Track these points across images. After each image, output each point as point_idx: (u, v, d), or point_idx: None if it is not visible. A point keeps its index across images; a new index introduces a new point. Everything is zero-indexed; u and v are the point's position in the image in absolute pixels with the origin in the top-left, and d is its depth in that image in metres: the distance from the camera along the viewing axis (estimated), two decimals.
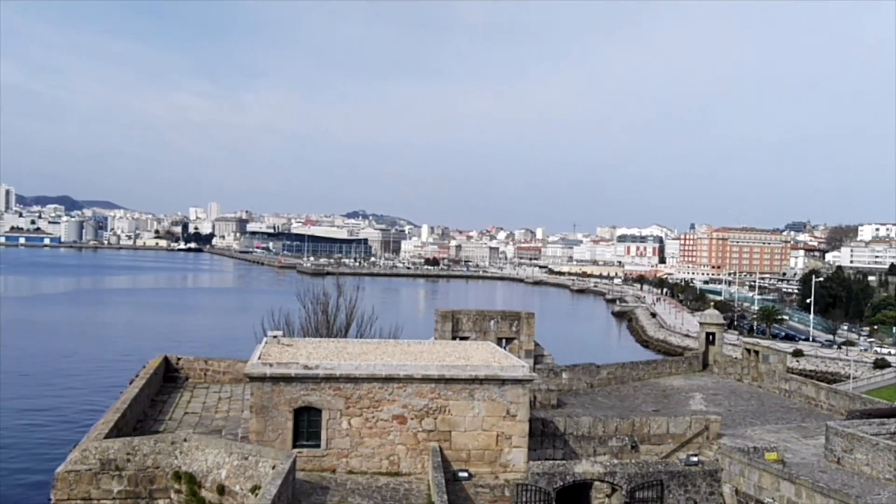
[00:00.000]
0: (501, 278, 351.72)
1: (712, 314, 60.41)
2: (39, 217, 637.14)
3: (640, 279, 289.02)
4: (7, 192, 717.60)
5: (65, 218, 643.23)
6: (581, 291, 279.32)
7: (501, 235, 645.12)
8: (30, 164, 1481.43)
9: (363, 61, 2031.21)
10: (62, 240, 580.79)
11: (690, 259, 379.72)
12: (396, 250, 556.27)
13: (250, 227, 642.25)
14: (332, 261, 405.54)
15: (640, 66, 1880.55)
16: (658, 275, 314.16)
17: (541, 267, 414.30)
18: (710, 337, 57.14)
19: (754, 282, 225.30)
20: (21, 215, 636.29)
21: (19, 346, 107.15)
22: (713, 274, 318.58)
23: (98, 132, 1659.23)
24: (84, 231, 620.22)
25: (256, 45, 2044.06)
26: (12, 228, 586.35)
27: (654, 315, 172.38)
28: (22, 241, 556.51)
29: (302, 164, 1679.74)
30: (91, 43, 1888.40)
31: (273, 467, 23.47)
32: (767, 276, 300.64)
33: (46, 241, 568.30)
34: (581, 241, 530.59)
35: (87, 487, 24.90)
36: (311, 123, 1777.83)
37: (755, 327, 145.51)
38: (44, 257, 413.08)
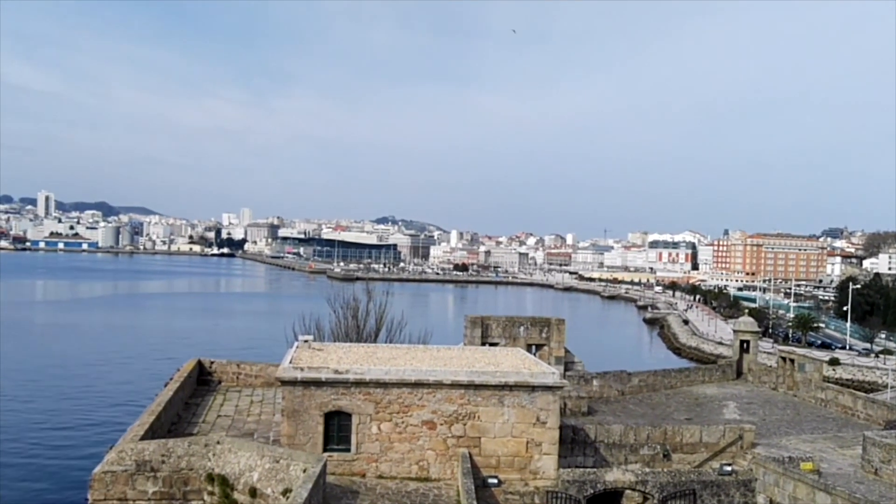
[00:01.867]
0: (531, 284, 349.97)
1: (747, 321, 59.71)
2: (78, 223, 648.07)
3: (673, 286, 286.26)
4: (47, 199, 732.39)
5: (102, 224, 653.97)
6: (612, 298, 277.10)
7: (531, 241, 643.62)
8: (69, 171, 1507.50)
9: (393, 67, 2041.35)
10: (99, 245, 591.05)
11: (724, 265, 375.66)
12: (425, 256, 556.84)
13: (281, 232, 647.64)
14: (361, 266, 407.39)
15: (672, 71, 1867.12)
16: (691, 281, 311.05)
17: (571, 273, 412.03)
18: (745, 345, 56.49)
19: (789, 289, 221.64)
20: (60, 221, 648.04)
21: (58, 348, 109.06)
22: (747, 281, 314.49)
23: (134, 139, 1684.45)
24: (121, 236, 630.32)
25: (288, 53, 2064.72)
26: (52, 234, 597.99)
27: (686, 322, 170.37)
28: (61, 246, 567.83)
29: (332, 170, 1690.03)
30: (129, 52, 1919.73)
31: (304, 471, 23.59)
32: (803, 283, 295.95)
33: (84, 246, 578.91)
34: (612, 247, 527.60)
35: (123, 488, 25.19)
36: (341, 129, 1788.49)
37: (790, 335, 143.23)
38: (82, 262, 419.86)
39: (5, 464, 54.66)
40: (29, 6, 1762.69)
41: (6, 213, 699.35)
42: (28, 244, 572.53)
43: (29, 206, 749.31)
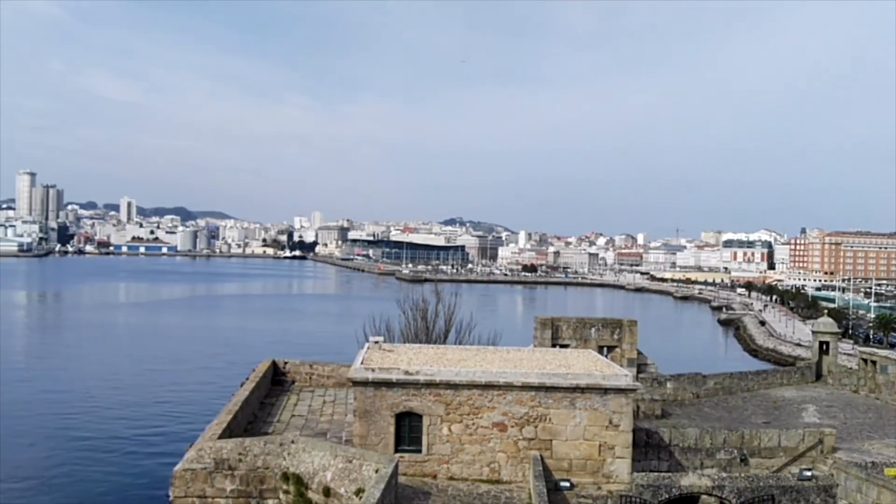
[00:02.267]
0: (601, 285, 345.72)
1: (826, 322, 57.89)
2: (158, 227, 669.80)
3: (748, 286, 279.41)
4: (129, 205, 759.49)
5: (180, 228, 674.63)
6: (685, 298, 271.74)
7: (601, 241, 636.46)
8: (149, 178, 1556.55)
9: (459, 69, 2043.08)
10: (178, 248, 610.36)
11: (801, 265, 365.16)
12: (493, 257, 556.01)
13: (351, 234, 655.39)
14: (429, 267, 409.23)
15: (745, 67, 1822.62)
16: (767, 281, 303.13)
17: (642, 273, 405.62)
18: (824, 346, 54.81)
19: (870, 288, 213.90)
20: (141, 226, 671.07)
21: (140, 349, 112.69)
22: (826, 280, 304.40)
23: (210, 146, 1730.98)
24: (198, 240, 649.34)
25: (357, 59, 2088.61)
26: (133, 238, 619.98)
27: (763, 323, 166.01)
28: (142, 250, 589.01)
29: (400, 173, 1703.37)
30: (205, 62, 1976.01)
31: (376, 471, 23.80)
32: (884, 281, 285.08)
33: (164, 249, 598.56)
34: (685, 247, 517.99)
35: (203, 486, 25.83)
36: (409, 132, 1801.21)
37: (872, 336, 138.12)
38: (162, 265, 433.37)
39: (93, 460, 56.76)
40: (110, 18, 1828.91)
41: (91, 218, 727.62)
42: (111, 248, 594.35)
43: (112, 212, 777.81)
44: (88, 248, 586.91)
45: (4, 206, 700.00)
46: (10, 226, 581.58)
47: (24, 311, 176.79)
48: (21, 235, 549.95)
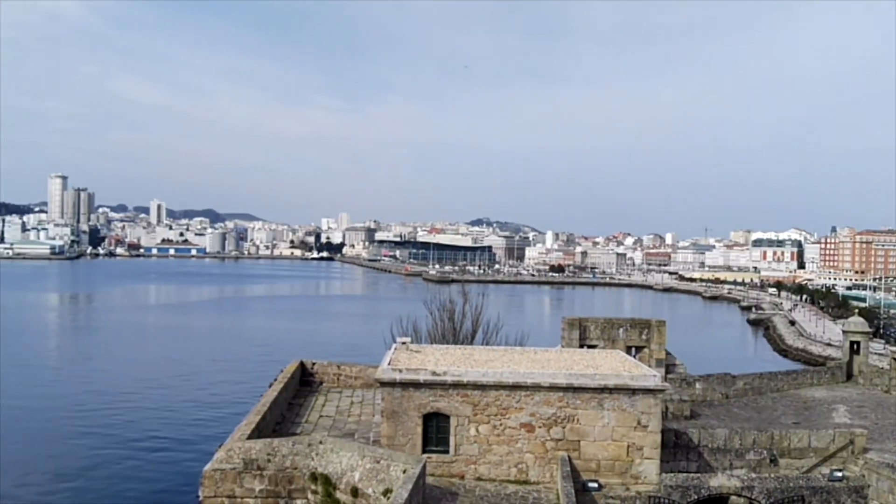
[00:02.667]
0: (629, 285, 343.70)
1: (857, 321, 57.11)
2: (187, 229, 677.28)
3: (778, 285, 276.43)
4: (159, 207, 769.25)
5: (209, 230, 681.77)
6: (714, 298, 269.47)
7: (629, 241, 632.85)
8: (178, 180, 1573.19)
9: (486, 68, 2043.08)
10: (207, 250, 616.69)
11: (832, 264, 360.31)
12: (521, 257, 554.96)
13: (378, 235, 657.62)
14: (456, 268, 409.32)
15: (774, 66, 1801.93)
16: (797, 280, 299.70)
17: (671, 273, 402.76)
18: (855, 346, 54.09)
19: None
20: (171, 228, 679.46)
21: (170, 350, 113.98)
22: (856, 279, 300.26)
23: (238, 148, 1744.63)
24: (226, 242, 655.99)
25: (384, 60, 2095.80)
26: (163, 240, 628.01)
27: (792, 323, 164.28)
28: (172, 251, 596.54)
29: (427, 174, 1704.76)
30: (233, 65, 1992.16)
31: (404, 471, 23.88)
32: None
33: (193, 251, 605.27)
34: (713, 247, 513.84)
35: (232, 486, 26.05)
36: (436, 133, 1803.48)
37: None
38: (191, 267, 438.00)
39: (124, 459, 57.48)
40: (140, 23, 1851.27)
41: (122, 221, 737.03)
42: (142, 251, 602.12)
43: (142, 215, 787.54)
44: (119, 250, 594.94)
45: (37, 209, 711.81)
46: (43, 229, 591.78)
47: (56, 313, 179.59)
48: (53, 238, 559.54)
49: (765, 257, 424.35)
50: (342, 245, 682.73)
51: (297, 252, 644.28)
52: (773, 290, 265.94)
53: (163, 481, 53.00)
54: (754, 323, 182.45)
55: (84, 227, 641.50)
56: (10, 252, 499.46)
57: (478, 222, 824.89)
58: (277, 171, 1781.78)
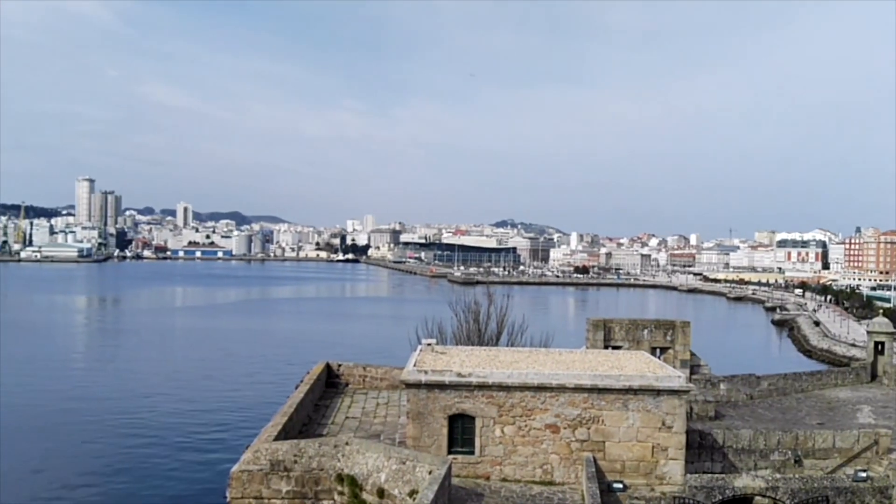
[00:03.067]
0: (654, 286, 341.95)
1: (881, 322, 56.60)
2: (213, 232, 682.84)
3: (802, 286, 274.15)
4: (185, 210, 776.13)
5: (235, 232, 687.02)
6: (738, 299, 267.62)
7: (653, 242, 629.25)
8: (205, 183, 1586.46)
9: (510, 71, 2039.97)
10: (233, 253, 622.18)
11: (856, 264, 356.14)
12: (545, 259, 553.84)
13: (403, 237, 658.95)
14: (481, 270, 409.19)
15: (800, 65, 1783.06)
16: (821, 281, 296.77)
17: (695, 274, 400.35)
18: (879, 346, 53.70)
19: None
20: (197, 230, 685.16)
21: (197, 352, 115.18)
22: (881, 280, 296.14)
23: (264, 151, 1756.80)
24: (252, 244, 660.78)
25: (408, 62, 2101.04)
26: (190, 243, 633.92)
27: (817, 323, 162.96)
28: (198, 254, 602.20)
29: (451, 175, 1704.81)
30: (258, 68, 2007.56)
31: (430, 472, 24.00)
32: None
33: (220, 254, 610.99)
34: (738, 247, 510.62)
35: (259, 487, 26.19)
36: (460, 135, 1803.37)
37: None
38: (217, 269, 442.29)
39: (151, 461, 58.29)
40: (165, 27, 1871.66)
41: (148, 224, 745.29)
42: (168, 253, 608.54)
43: (169, 217, 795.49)
44: (146, 253, 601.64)
45: (64, 212, 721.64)
46: (70, 232, 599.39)
47: (84, 316, 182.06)
48: (80, 241, 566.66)
49: (789, 258, 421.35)
50: (367, 247, 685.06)
51: (323, 254, 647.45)
52: (797, 291, 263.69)
53: (190, 482, 53.66)
54: (779, 324, 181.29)
55: (111, 229, 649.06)
56: (38, 255, 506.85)
57: (502, 224, 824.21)
58: (302, 173, 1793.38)
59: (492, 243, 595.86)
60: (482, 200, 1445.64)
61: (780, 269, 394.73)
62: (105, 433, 65.94)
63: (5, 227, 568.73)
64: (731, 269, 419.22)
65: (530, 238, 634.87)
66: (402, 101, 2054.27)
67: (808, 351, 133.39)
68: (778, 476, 29.45)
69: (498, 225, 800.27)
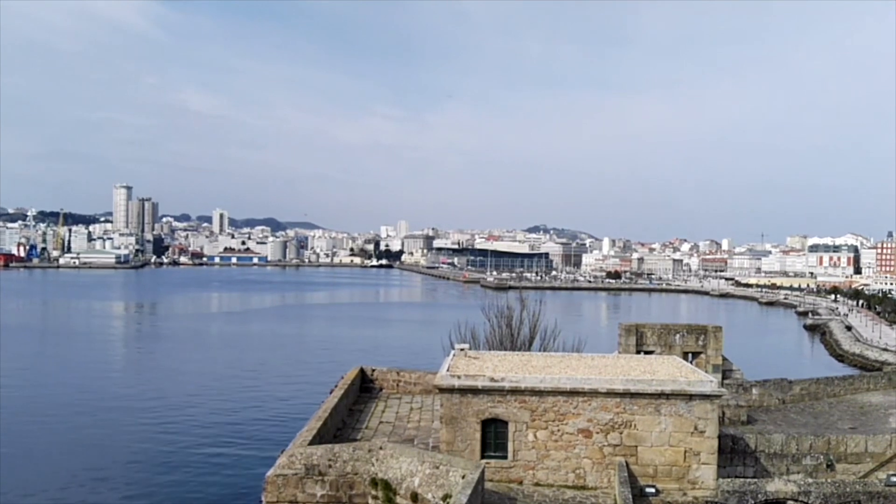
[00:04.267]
0: (686, 291, 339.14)
1: None
2: (249, 238, 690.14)
3: (834, 290, 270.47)
4: (221, 216, 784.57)
5: (270, 238, 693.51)
6: (770, 304, 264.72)
7: (685, 247, 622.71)
8: (240, 189, 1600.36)
9: (543, 76, 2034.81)
10: (268, 258, 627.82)
11: (889, 269, 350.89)
12: (577, 264, 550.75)
13: (436, 243, 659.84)
14: (514, 275, 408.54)
15: (829, 69, 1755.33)
16: (853, 286, 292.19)
17: (727, 279, 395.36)
18: None
19: None
20: (233, 237, 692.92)
21: (232, 357, 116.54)
22: None
23: (298, 157, 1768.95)
24: (287, 250, 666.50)
25: (442, 69, 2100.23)
26: (226, 249, 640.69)
27: (849, 328, 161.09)
28: (234, 260, 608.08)
29: (484, 181, 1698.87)
30: (293, 75, 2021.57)
31: (463, 477, 24.15)
32: None
33: (255, 260, 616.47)
34: (770, 252, 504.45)
35: (294, 491, 26.40)
36: (493, 140, 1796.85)
37: None
38: (253, 275, 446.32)
39: (187, 464, 59.25)
40: (201, 35, 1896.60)
41: (185, 230, 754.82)
42: (204, 259, 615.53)
43: (205, 224, 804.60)
44: (182, 259, 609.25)
45: (102, 219, 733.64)
46: (108, 238, 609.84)
47: (122, 321, 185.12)
48: (118, 248, 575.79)
49: (821, 262, 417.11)
50: (401, 252, 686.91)
51: (357, 260, 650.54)
52: (829, 296, 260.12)
53: (226, 486, 54.38)
54: (811, 328, 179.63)
55: (148, 236, 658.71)
56: (77, 261, 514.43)
57: (535, 229, 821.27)
58: (336, 179, 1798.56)
59: (524, 248, 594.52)
60: (515, 206, 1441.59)
61: (811, 273, 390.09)
62: (142, 436, 67.07)
63: (45, 233, 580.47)
64: (763, 274, 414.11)
65: (562, 243, 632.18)
66: (435, 108, 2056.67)
67: (840, 355, 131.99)
68: (810, 480, 29.40)
69: (530, 230, 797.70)
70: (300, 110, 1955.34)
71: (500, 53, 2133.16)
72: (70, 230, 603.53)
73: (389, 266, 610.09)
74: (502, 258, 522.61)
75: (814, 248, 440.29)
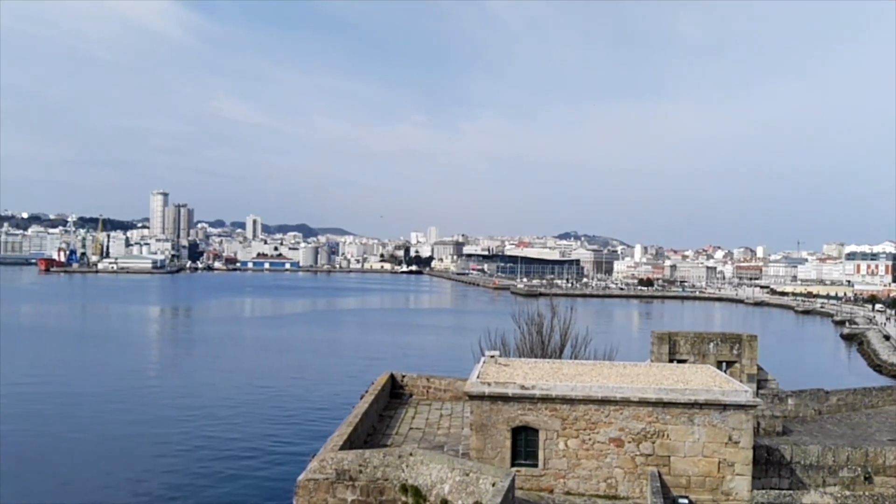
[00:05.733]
0: (719, 299, 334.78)
1: None
2: (281, 244, 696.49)
3: (872, 299, 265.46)
4: (254, 222, 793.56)
5: (302, 244, 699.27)
6: (806, 313, 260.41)
7: (719, 254, 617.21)
8: (273, 196, 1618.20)
9: (573, 83, 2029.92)
10: (300, 264, 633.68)
11: None
12: (609, 271, 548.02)
13: (466, 249, 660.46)
14: (544, 282, 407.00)
15: (866, 72, 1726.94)
16: (891, 294, 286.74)
17: (762, 287, 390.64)
18: None
19: None
20: (266, 242, 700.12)
21: (265, 362, 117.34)
22: None
23: (331, 164, 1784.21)
24: (319, 256, 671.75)
25: (473, 76, 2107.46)
26: (259, 254, 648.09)
27: (887, 338, 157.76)
28: (266, 265, 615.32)
29: (514, 187, 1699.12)
30: (327, 84, 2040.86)
31: (493, 485, 23.98)
32: None
33: (287, 265, 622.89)
34: (806, 260, 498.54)
35: (325, 495, 26.34)
36: (523, 147, 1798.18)
37: None
38: (285, 280, 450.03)
39: (219, 468, 59.66)
40: (237, 44, 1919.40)
41: (219, 236, 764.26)
42: (238, 264, 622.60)
43: (239, 230, 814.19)
44: (217, 264, 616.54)
45: (139, 224, 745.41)
46: (145, 244, 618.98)
47: (158, 325, 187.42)
48: (155, 253, 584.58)
49: (858, 271, 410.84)
50: (431, 259, 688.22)
51: (387, 266, 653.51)
52: (868, 305, 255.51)
53: (257, 489, 54.69)
54: (848, 338, 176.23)
55: (184, 241, 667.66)
56: (115, 266, 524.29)
57: (566, 236, 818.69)
58: (368, 186, 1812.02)
59: (555, 255, 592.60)
60: (545, 212, 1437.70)
61: (849, 282, 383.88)
62: (174, 438, 67.72)
63: (84, 239, 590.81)
64: (799, 282, 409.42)
65: (594, 250, 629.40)
66: (466, 115, 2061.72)
67: (878, 366, 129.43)
68: (847, 493, 28.87)
69: (561, 237, 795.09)
70: (332, 118, 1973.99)
71: (533, 61, 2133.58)
72: (108, 236, 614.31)
73: (419, 272, 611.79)
74: (533, 265, 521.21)
75: (851, 256, 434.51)
